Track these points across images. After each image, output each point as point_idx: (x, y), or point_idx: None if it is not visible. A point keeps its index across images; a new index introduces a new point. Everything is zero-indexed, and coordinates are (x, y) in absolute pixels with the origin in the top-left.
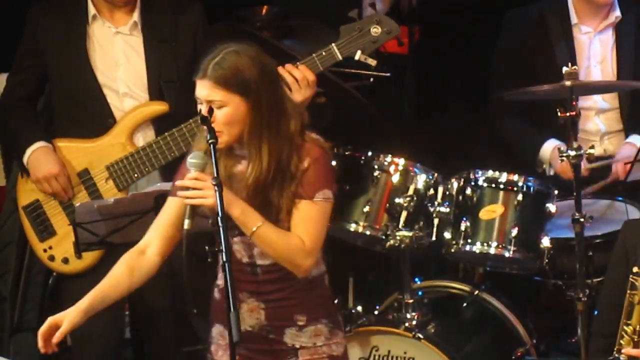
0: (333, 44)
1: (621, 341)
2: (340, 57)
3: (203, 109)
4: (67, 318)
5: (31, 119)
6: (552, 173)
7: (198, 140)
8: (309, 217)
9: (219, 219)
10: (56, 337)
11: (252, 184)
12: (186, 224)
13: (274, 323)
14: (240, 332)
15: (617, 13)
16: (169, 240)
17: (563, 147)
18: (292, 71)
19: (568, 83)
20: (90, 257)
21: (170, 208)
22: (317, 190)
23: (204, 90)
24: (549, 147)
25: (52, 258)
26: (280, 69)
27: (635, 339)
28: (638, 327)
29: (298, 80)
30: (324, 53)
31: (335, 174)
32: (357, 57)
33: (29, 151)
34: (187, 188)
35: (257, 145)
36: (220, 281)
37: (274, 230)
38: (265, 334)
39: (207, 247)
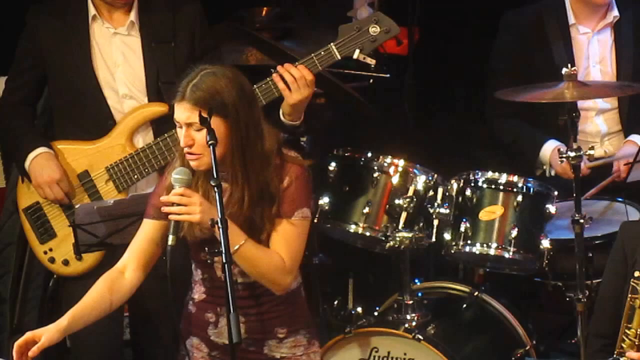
0: (332, 44)
1: (623, 344)
2: (339, 57)
3: (182, 132)
4: (46, 334)
5: (31, 123)
6: (552, 174)
7: (176, 160)
8: (288, 236)
9: (219, 221)
10: (32, 352)
11: (236, 205)
12: (170, 239)
13: (255, 336)
14: (240, 334)
15: (615, 13)
16: (147, 258)
17: (563, 148)
18: (290, 70)
19: (567, 92)
20: (90, 259)
21: (146, 229)
22: (296, 209)
23: (184, 112)
24: (549, 148)
25: (52, 260)
26: (279, 68)
27: (637, 343)
28: (639, 330)
29: (296, 79)
30: (322, 53)
31: (311, 191)
32: (355, 56)
33: (30, 156)
34: (172, 204)
35: (237, 167)
36: (196, 295)
37: (256, 248)
38: (245, 346)
39: (206, 248)
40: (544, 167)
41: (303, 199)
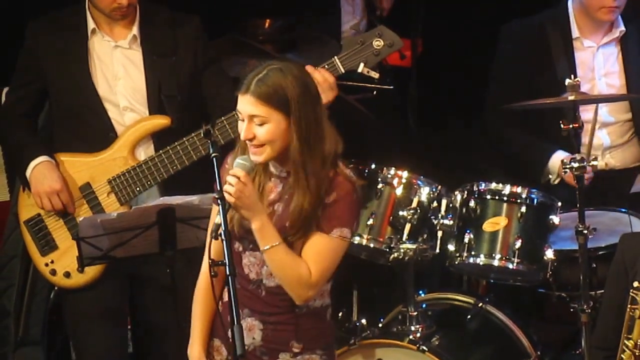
0: (335, 57)
1: (622, 355)
2: (342, 70)
3: (244, 125)
4: None
5: (33, 134)
6: (556, 182)
7: (237, 149)
8: (321, 251)
9: (222, 232)
10: None
11: (297, 207)
12: (217, 218)
13: (269, 345)
14: (244, 346)
15: (621, 27)
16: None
17: (566, 160)
18: (313, 74)
19: (571, 97)
20: (92, 272)
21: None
22: (336, 227)
23: (247, 105)
24: (558, 159)
25: (53, 272)
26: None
27: (637, 353)
28: (639, 341)
29: (320, 83)
30: (326, 66)
31: (358, 213)
32: (359, 70)
33: (32, 164)
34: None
35: (297, 164)
36: (225, 294)
37: (287, 253)
38: (259, 354)
39: (211, 260)
40: (550, 176)
41: (346, 219)
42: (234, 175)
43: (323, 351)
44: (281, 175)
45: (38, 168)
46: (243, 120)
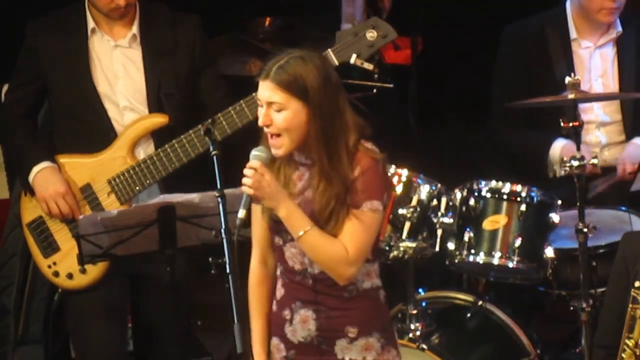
0: (329, 50)
1: (623, 354)
2: (337, 62)
3: (262, 111)
4: None
5: (34, 136)
6: (563, 173)
7: (261, 142)
8: (354, 227)
9: (222, 231)
10: None
11: (325, 196)
12: (240, 213)
13: (325, 334)
14: (246, 344)
15: (619, 28)
16: (271, 241)
17: (566, 158)
18: None
19: (571, 95)
20: (94, 272)
21: (256, 216)
22: (364, 200)
23: (266, 91)
24: (558, 146)
25: (56, 274)
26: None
27: (638, 353)
28: None
29: None
30: None
31: (390, 183)
32: (352, 61)
33: (35, 170)
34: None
35: (322, 153)
36: (277, 293)
37: (320, 236)
38: (317, 344)
39: (210, 259)
40: (555, 166)
41: (374, 191)
42: (250, 167)
43: (380, 334)
44: (307, 163)
45: (41, 174)
46: (262, 107)
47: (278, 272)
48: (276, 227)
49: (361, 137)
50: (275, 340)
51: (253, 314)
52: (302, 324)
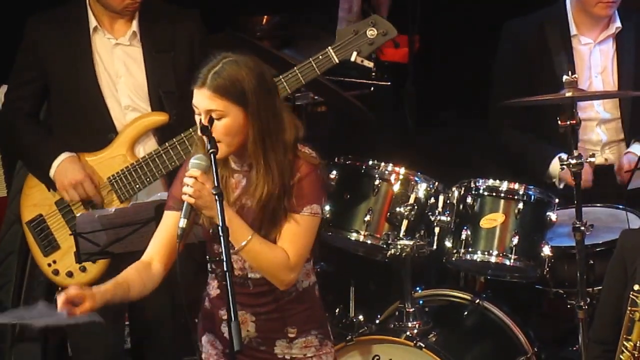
0: (329, 47)
1: (621, 356)
2: (337, 60)
3: (202, 119)
4: (89, 300)
5: (43, 133)
6: (562, 186)
7: (196, 148)
8: (294, 232)
9: (219, 229)
10: (75, 309)
11: (264, 198)
12: (182, 222)
13: (265, 335)
14: (242, 341)
15: (618, 24)
16: (170, 251)
17: (564, 156)
18: None
19: (569, 93)
20: (94, 271)
21: (166, 221)
22: (304, 205)
23: (204, 99)
24: (558, 164)
25: (56, 272)
26: None
27: (636, 355)
28: (638, 342)
29: None
30: (320, 57)
31: (327, 188)
32: (352, 59)
33: (55, 164)
34: (186, 185)
35: (259, 156)
36: (212, 290)
37: (261, 244)
38: (256, 345)
39: (208, 257)
40: (554, 179)
41: (313, 196)
42: (190, 176)
43: (317, 330)
44: (243, 170)
45: (61, 166)
46: (200, 115)
47: (213, 274)
48: (214, 236)
49: (298, 137)
50: (209, 337)
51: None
52: (241, 325)
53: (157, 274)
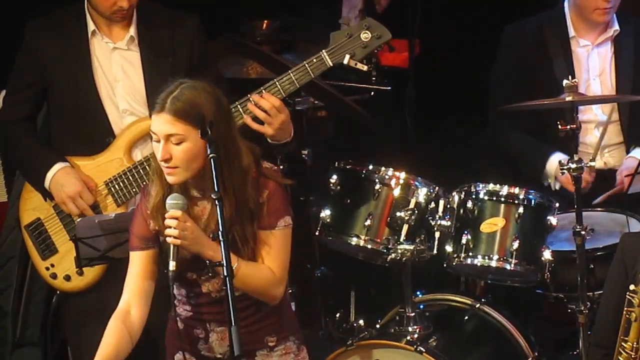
0: (323, 51)
1: (619, 357)
2: (330, 63)
3: (160, 146)
4: None
5: (37, 142)
6: (557, 188)
7: (156, 179)
8: (274, 248)
9: (220, 234)
10: None
11: (233, 224)
12: (171, 265)
13: (246, 347)
14: (241, 347)
15: (616, 27)
16: (146, 292)
17: (564, 160)
18: (259, 103)
19: (569, 97)
20: (91, 275)
21: (136, 263)
22: (278, 219)
23: (164, 124)
24: (555, 161)
25: (54, 276)
26: (249, 106)
27: (633, 355)
28: (635, 343)
29: (268, 111)
30: (314, 60)
31: (289, 200)
32: (345, 62)
33: (49, 175)
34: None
35: (220, 183)
36: (182, 312)
37: (248, 267)
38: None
39: (207, 262)
40: (549, 180)
41: (283, 208)
42: (172, 217)
43: (294, 336)
44: (206, 196)
45: (55, 177)
46: (158, 141)
47: (181, 297)
48: (189, 264)
49: (257, 159)
50: (186, 355)
51: (103, 346)
52: (220, 341)
53: (140, 319)
